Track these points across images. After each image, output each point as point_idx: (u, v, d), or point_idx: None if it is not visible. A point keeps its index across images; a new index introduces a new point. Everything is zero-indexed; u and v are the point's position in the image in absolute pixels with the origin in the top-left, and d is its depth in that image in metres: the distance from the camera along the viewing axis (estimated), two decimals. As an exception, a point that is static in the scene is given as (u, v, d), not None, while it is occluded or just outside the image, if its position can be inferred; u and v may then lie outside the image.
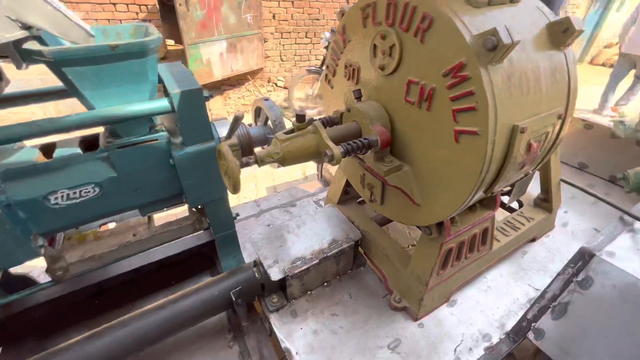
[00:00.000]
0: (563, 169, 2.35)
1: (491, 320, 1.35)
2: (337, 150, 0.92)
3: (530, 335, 1.22)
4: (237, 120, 1.11)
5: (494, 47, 0.73)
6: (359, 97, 1.14)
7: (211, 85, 6.07)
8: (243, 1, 5.47)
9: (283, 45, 6.48)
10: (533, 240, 1.72)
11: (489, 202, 1.29)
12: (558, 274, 1.23)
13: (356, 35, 1.13)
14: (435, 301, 1.39)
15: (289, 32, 6.41)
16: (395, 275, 1.41)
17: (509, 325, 1.32)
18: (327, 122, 1.17)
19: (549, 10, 0.96)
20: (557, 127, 0.98)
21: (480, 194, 0.97)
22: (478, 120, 0.79)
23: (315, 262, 1.36)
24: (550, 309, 1.22)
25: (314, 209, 1.81)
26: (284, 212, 2.01)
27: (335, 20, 6.43)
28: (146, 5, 4.93)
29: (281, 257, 1.35)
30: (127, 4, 4.84)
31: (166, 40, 5.74)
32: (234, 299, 1.24)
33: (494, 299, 1.44)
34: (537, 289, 1.49)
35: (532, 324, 1.23)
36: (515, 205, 1.86)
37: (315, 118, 1.04)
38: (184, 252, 1.65)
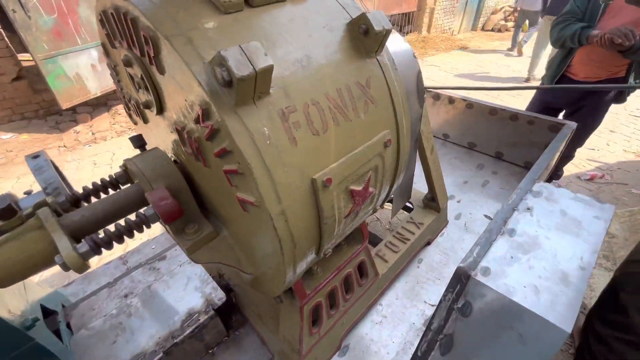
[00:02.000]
0: (454, 150, 2.33)
1: (386, 361, 1.18)
2: (70, 252, 0.58)
3: (423, 377, 1.07)
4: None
5: (227, 83, 0.45)
6: (140, 146, 0.80)
7: (93, 103, 5.14)
8: None
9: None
10: (428, 243, 1.61)
11: (356, 235, 1.09)
12: (440, 301, 1.08)
13: (115, 57, 0.78)
14: (326, 353, 1.17)
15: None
16: (272, 339, 1.16)
17: (405, 364, 1.16)
18: (113, 185, 0.82)
19: (354, 3, 0.73)
20: (391, 154, 0.77)
21: (310, 261, 0.72)
22: (249, 186, 0.53)
23: (160, 356, 1.03)
24: (437, 343, 1.08)
25: (178, 265, 1.46)
26: (149, 272, 1.62)
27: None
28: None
29: (111, 363, 1.00)
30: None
31: (18, 55, 4.65)
32: None
33: (389, 331, 1.27)
34: (432, 305, 1.36)
35: (423, 364, 1.08)
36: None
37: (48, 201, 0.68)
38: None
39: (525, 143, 2.04)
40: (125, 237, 0.68)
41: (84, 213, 0.70)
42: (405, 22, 9.81)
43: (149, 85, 0.63)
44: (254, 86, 0.47)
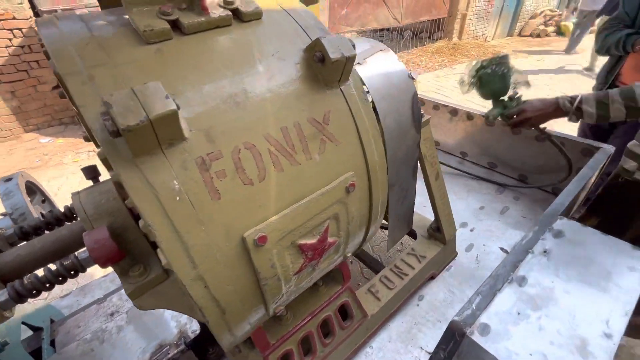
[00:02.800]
0: (472, 170, 2.13)
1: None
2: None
3: None
4: None
5: (115, 133, 0.37)
6: (92, 178, 0.75)
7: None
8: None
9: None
10: (432, 278, 1.45)
11: (336, 275, 0.97)
12: (430, 358, 0.94)
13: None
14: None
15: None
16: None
17: None
18: (67, 217, 0.78)
19: (320, 24, 0.63)
20: (358, 199, 0.66)
21: (259, 319, 0.63)
22: (160, 249, 0.44)
23: (123, 391, 0.98)
24: (426, 408, 0.93)
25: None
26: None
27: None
28: None
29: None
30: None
31: (59, 65, 5.02)
32: None
33: (373, 381, 1.14)
34: (429, 352, 1.21)
35: None
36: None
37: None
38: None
39: (553, 167, 1.82)
40: (55, 284, 0.62)
41: (20, 252, 0.65)
42: (435, 29, 9.51)
43: (81, 120, 0.57)
44: (155, 134, 0.39)
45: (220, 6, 0.55)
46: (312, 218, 0.56)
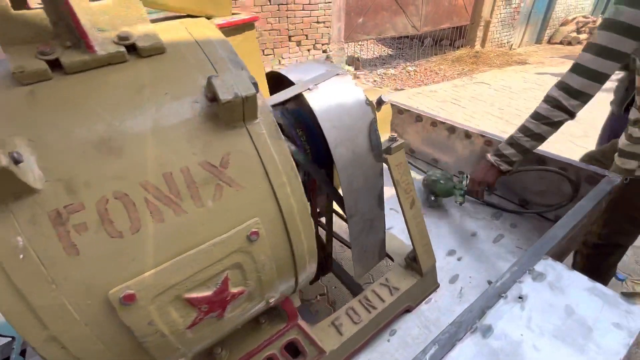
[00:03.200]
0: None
1: None
2: None
3: None
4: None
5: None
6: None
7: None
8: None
9: (217, 63, 6.16)
10: (408, 311, 1.36)
11: (282, 311, 0.92)
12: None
13: None
14: None
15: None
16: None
17: None
18: None
19: (235, 56, 0.59)
20: (269, 246, 0.60)
21: None
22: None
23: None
24: None
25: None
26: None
27: (269, 30, 6.03)
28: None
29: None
30: None
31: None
32: None
33: None
34: (393, 397, 1.12)
35: None
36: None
37: None
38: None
39: (555, 193, 1.67)
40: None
41: None
42: (457, 36, 9.25)
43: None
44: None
45: (115, 42, 0.52)
46: (202, 270, 0.52)
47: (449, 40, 9.35)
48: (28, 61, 0.45)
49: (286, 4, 5.89)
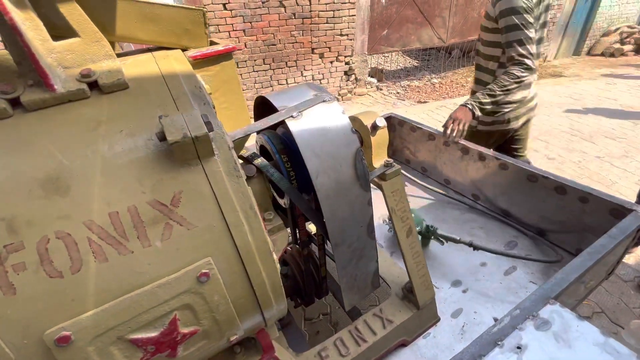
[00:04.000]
0: (482, 217, 1.89)
1: None
2: None
3: None
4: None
5: None
6: None
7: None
8: (188, 37, 5.31)
9: (241, 74, 6.30)
10: (403, 345, 1.28)
11: (258, 343, 0.89)
12: None
13: None
14: None
15: (245, 61, 6.22)
16: None
17: None
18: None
19: (201, 90, 0.58)
20: (230, 285, 0.58)
21: None
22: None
23: None
24: None
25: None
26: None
27: (292, 43, 6.17)
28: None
29: None
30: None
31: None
32: None
33: None
34: None
35: None
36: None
37: None
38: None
39: (576, 225, 1.53)
40: None
41: None
42: (486, 48, 8.94)
43: None
44: None
45: (77, 79, 0.53)
46: (146, 311, 0.51)
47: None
48: (-11, 100, 0.47)
49: (310, 17, 5.99)
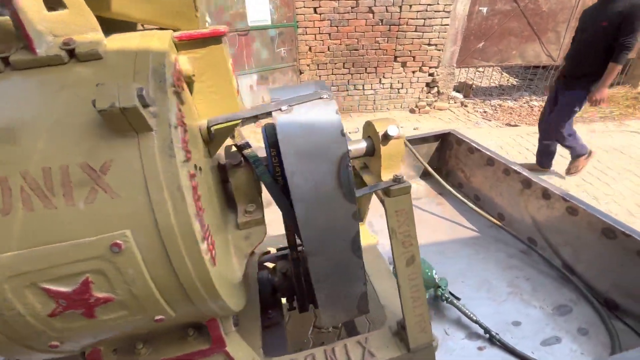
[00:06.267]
0: (537, 269, 1.55)
1: None
2: None
3: None
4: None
5: None
6: None
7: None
8: (277, 37, 5.69)
9: (319, 75, 6.46)
10: (387, 387, 1.13)
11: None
12: None
13: None
14: None
15: (325, 63, 6.36)
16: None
17: None
18: None
19: (162, 70, 0.60)
20: (151, 261, 0.58)
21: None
22: None
23: None
24: None
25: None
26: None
27: (376, 49, 6.07)
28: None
29: None
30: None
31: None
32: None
33: None
34: None
35: None
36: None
37: None
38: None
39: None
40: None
41: None
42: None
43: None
44: None
45: (60, 47, 0.60)
46: (58, 266, 0.53)
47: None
48: (-17, 58, 0.56)
49: (398, 25, 5.82)
